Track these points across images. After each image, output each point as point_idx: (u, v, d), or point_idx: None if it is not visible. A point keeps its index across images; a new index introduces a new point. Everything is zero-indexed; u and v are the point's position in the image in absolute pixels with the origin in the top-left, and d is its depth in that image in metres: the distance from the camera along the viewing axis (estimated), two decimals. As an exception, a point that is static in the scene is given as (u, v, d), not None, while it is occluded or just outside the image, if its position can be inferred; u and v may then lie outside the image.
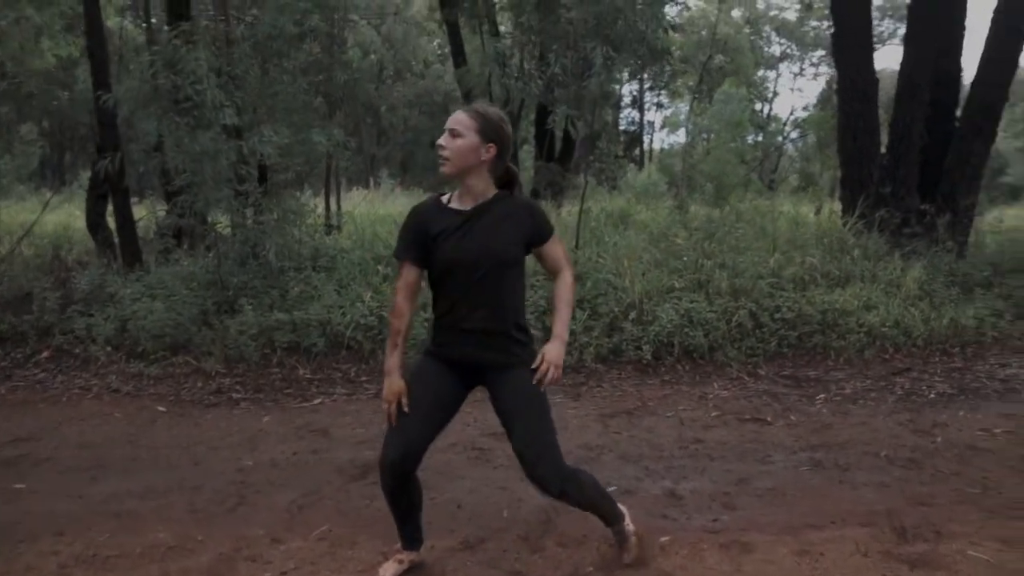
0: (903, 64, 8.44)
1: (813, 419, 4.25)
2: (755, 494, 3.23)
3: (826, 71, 37.20)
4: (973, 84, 8.19)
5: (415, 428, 2.33)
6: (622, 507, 2.58)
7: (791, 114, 38.99)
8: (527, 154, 17.14)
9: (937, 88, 8.26)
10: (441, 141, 2.22)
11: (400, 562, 2.55)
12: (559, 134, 13.69)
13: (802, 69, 38.51)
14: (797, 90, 51.09)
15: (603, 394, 4.70)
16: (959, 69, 8.75)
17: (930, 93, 8.19)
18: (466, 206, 2.27)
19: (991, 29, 8.02)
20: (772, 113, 37.93)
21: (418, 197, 16.57)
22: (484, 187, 2.27)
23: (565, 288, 2.43)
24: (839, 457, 3.64)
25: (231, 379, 4.93)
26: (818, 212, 9.79)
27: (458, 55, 13.28)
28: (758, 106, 33.64)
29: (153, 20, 10.09)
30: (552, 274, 2.46)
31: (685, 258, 6.31)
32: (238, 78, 5.73)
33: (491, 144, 2.22)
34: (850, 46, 8.52)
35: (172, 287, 5.73)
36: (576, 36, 5.89)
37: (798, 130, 38.84)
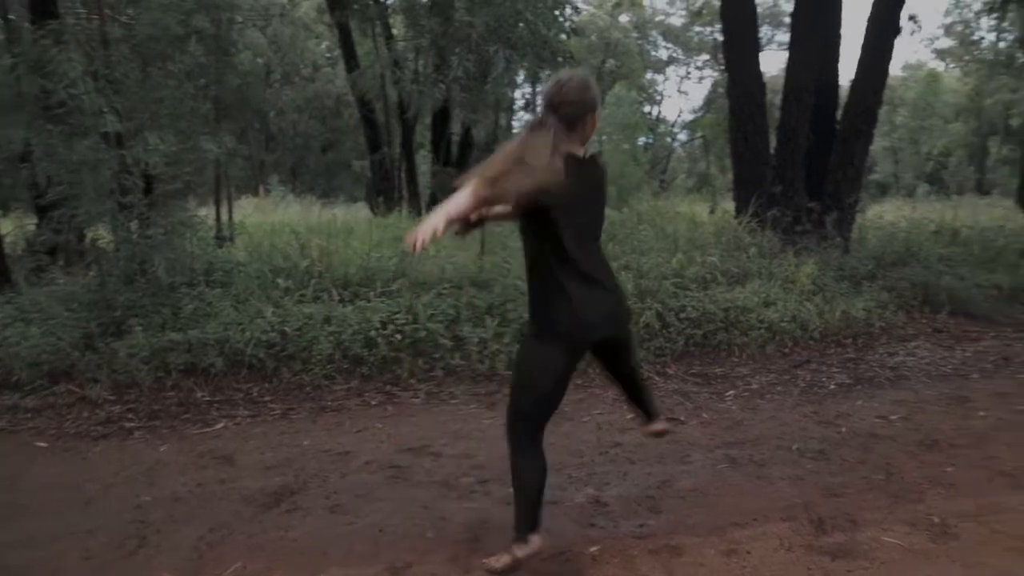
0: (788, 69, 8.83)
1: (724, 416, 4.34)
2: (678, 496, 3.24)
3: (711, 75, 38.78)
4: (851, 89, 8.65)
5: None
6: (535, 536, 2.39)
7: (679, 116, 40.36)
8: (423, 159, 16.96)
9: (819, 92, 8.68)
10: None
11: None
12: (456, 138, 13.63)
13: (688, 73, 39.97)
14: (684, 93, 52.98)
15: (519, 402, 4.64)
16: (837, 75, 9.24)
17: (813, 97, 8.60)
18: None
19: (866, 38, 8.49)
20: (661, 116, 39.18)
21: (311, 204, 16.15)
22: None
23: None
24: (754, 453, 3.72)
25: (121, 407, 4.57)
26: (712, 212, 10.12)
27: (350, 58, 13.01)
28: (648, 109, 34.63)
29: (12, 17, 9.31)
30: None
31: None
32: (117, 82, 5.34)
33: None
34: (739, 51, 8.85)
35: (49, 309, 5.26)
36: (477, 39, 5.83)
37: (686, 132, 40.31)
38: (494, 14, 5.64)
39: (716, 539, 2.81)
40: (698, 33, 37.08)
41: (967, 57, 32.22)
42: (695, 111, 40.77)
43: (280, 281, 5.81)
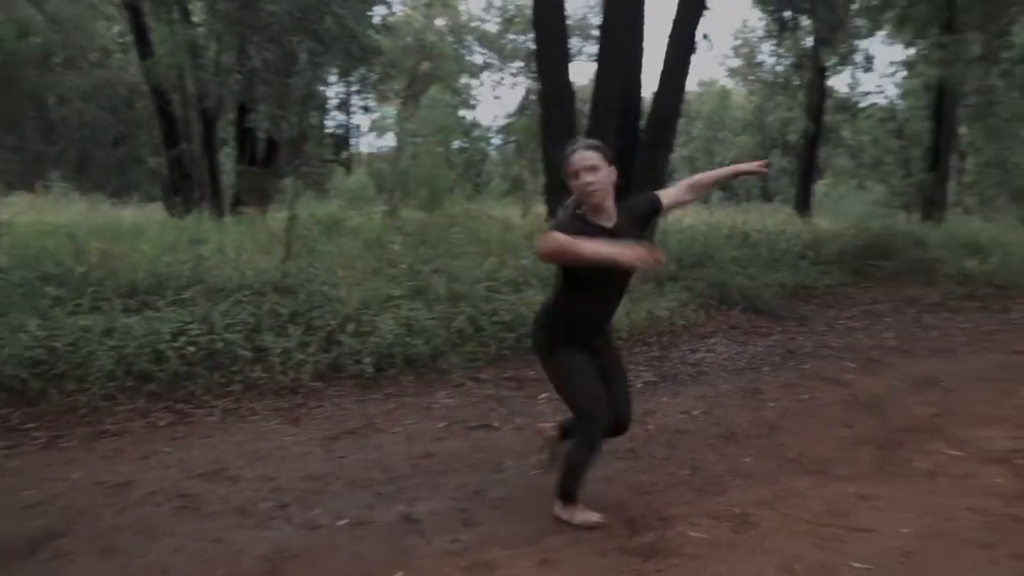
0: (596, 79, 9.12)
1: (538, 420, 4.30)
2: (492, 506, 3.14)
3: (524, 81, 39.81)
4: (654, 100, 9.10)
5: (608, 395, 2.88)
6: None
7: (494, 120, 41.05)
8: (228, 157, 15.93)
9: (624, 103, 9.05)
10: (589, 178, 2.66)
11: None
12: (262, 136, 12.89)
13: (502, 79, 40.73)
14: (498, 98, 54.10)
15: (324, 415, 4.35)
16: (640, 87, 9.69)
17: (619, 106, 8.94)
18: (605, 222, 2.74)
19: (666, 54, 8.97)
20: (476, 120, 39.65)
21: (99, 203, 14.63)
22: (611, 202, 2.76)
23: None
24: (567, 456, 3.70)
25: None
26: (525, 215, 10.27)
27: (143, 44, 11.88)
28: (463, 112, 34.88)
29: None
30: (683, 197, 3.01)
31: (402, 265, 6.16)
32: None
33: (613, 168, 2.73)
34: (550, 59, 9.02)
35: None
36: (280, 29, 5.45)
37: (501, 136, 41.06)
38: (298, 4, 5.29)
39: (530, 550, 2.73)
40: (512, 40, 37.92)
41: (752, 77, 35.34)
42: (509, 116, 41.77)
43: (50, 290, 5.10)
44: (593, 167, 2.68)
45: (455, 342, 5.40)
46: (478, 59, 38.17)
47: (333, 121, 29.14)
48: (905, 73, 17.81)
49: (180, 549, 2.77)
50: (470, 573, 2.58)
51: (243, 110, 11.21)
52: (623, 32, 8.93)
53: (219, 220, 9.52)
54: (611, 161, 2.73)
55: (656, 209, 2.91)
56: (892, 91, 18.50)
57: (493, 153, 39.96)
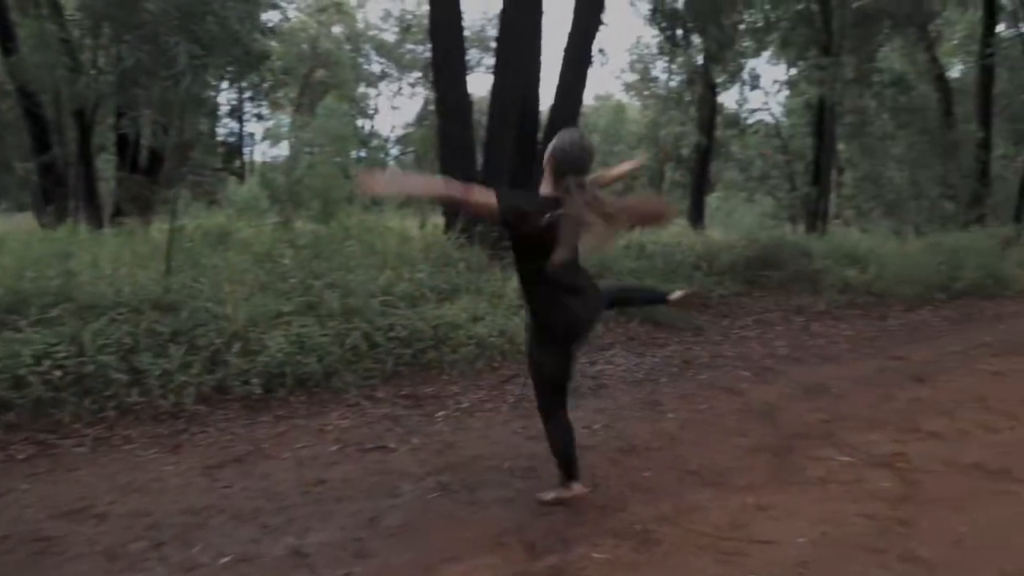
0: (494, 90, 9.08)
1: (435, 439, 4.16)
2: (387, 534, 2.97)
3: (422, 91, 39.58)
4: (551, 112, 9.15)
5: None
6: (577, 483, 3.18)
7: (392, 131, 40.59)
8: (107, 163, 15.01)
9: (522, 115, 9.05)
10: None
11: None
12: (145, 142, 12.21)
13: (400, 88, 40.28)
14: (396, 108, 53.58)
15: (208, 441, 4.06)
16: (537, 98, 9.73)
17: (517, 118, 8.94)
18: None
19: (563, 65, 9.04)
20: (374, 129, 39.14)
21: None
22: None
23: None
24: (465, 477, 3.57)
25: None
26: (423, 226, 10.09)
27: (7, 40, 11.01)
28: (361, 122, 34.34)
29: None
30: None
31: (293, 279, 5.88)
32: None
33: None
34: (447, 70, 8.92)
35: None
36: (156, 28, 5.11)
37: (399, 146, 40.68)
38: (176, 2, 4.97)
39: (426, 581, 2.59)
40: (410, 50, 37.69)
41: (646, 92, 36.39)
42: (408, 126, 41.43)
43: None
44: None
45: (349, 359, 5.18)
46: (376, 68, 37.77)
47: (225, 128, 28.08)
48: (788, 92, 18.69)
49: (34, 601, 2.48)
50: (362, 610, 2.41)
51: (121, 114, 10.56)
52: (520, 43, 8.94)
53: (96, 231, 8.90)
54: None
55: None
56: (777, 109, 19.37)
57: (392, 164, 39.54)
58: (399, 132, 40.87)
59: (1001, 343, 7.07)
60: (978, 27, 16.51)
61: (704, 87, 17.00)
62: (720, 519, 3.09)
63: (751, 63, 18.48)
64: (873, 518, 3.11)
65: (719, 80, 17.05)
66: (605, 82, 66.25)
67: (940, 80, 16.93)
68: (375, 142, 37.27)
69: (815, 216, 15.86)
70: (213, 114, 18.62)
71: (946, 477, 3.62)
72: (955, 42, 20.67)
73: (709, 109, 17.10)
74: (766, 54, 18.19)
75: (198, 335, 4.90)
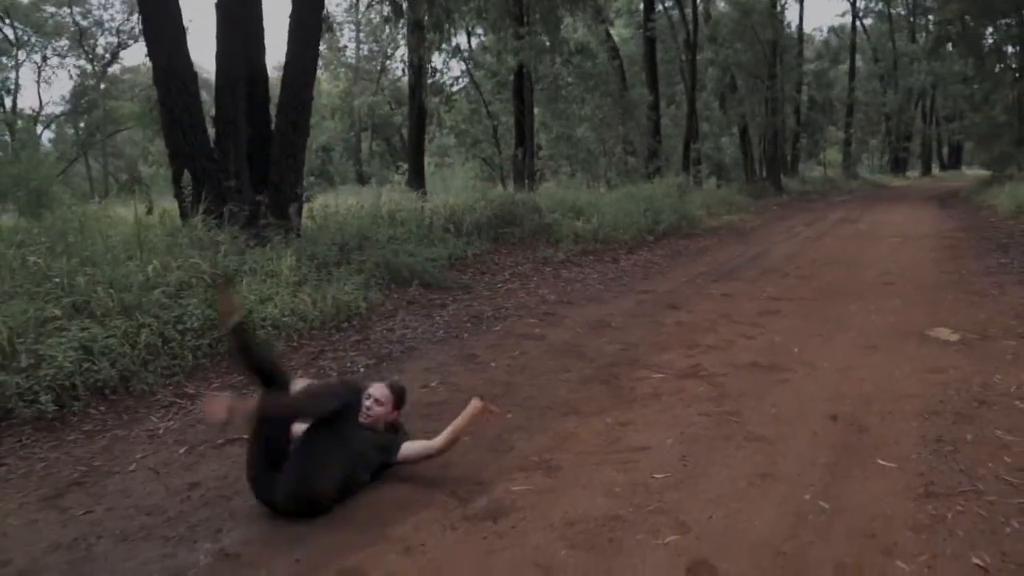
0: (218, 59, 8.46)
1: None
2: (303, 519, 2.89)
3: (75, 63, 34.79)
4: (283, 83, 8.78)
5: None
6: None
7: (41, 109, 35.11)
8: None
9: (249, 84, 8.57)
10: (369, 403, 3.25)
11: None
12: None
13: (46, 59, 34.92)
14: (45, 82, 46.12)
15: (20, 472, 3.45)
16: (264, 66, 9.25)
17: (246, 89, 8.44)
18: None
19: (292, 33, 8.70)
20: (19, 108, 33.73)
21: None
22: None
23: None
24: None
25: None
26: (150, 212, 9.19)
27: None
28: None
29: None
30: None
31: (55, 279, 5.13)
32: None
33: (397, 412, 3.40)
34: (163, 37, 8.10)
35: None
36: None
37: (55, 127, 35.67)
38: None
39: (388, 542, 2.61)
40: (52, 14, 32.90)
41: (335, 63, 35.89)
42: (65, 102, 36.20)
43: None
44: (378, 401, 3.28)
45: (144, 359, 4.72)
46: (9, 34, 32.32)
47: None
48: (492, 59, 19.65)
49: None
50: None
51: None
52: (239, 5, 8.43)
53: None
54: (402, 405, 3.41)
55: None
56: (479, 76, 20.31)
57: (50, 145, 34.41)
58: (56, 108, 35.73)
59: (715, 271, 8.46)
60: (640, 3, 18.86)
61: (416, 57, 17.26)
62: (595, 440, 3.48)
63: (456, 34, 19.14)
64: (709, 415, 3.72)
65: (423, 50, 17.42)
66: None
67: (614, 51, 19.07)
68: (20, 124, 32.12)
69: (522, 175, 17.12)
70: None
71: (738, 376, 4.40)
72: (622, 17, 23.45)
73: (415, 77, 17.44)
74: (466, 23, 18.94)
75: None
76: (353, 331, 6.07)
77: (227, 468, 3.41)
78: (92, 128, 33.85)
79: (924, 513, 2.62)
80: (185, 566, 2.54)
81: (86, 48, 34.40)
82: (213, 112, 8.74)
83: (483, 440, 3.56)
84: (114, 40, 34.66)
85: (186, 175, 7.66)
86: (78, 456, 3.64)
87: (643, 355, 4.96)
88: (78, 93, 35.16)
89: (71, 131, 36.46)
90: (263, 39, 9.09)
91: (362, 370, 5.00)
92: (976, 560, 2.30)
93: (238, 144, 8.28)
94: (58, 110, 35.78)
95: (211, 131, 8.45)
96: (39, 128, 33.27)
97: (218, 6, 8.67)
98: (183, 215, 7.86)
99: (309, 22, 8.87)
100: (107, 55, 34.92)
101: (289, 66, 8.90)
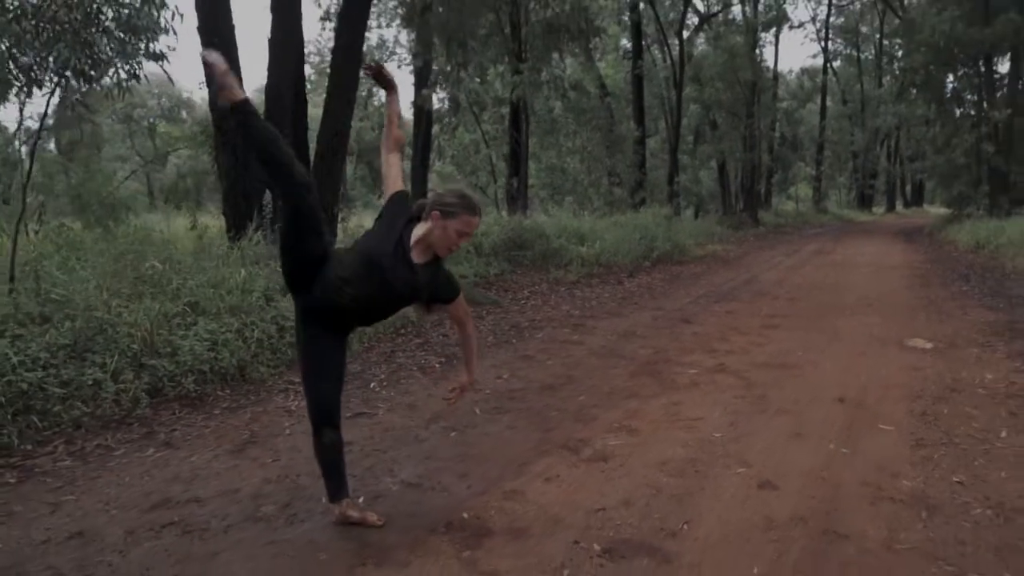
0: (268, 90, 9.35)
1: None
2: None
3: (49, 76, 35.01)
4: (325, 113, 9.71)
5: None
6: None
7: (21, 123, 35.20)
8: None
9: (293, 114, 9.49)
10: (463, 242, 2.89)
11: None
12: None
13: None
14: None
15: (194, 434, 4.32)
16: (306, 99, 10.17)
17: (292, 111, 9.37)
18: (418, 259, 2.83)
19: (332, 68, 9.65)
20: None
21: None
22: None
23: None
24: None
25: None
26: (193, 227, 9.97)
27: None
28: None
29: None
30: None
31: (175, 282, 5.97)
32: None
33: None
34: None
35: None
36: None
37: (40, 138, 35.72)
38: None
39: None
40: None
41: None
42: (45, 118, 36.32)
43: None
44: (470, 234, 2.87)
45: (255, 351, 5.56)
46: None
47: None
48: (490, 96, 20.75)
49: None
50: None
51: None
52: (290, 50, 9.37)
53: None
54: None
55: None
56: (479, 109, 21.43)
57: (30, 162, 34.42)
58: (32, 124, 35.91)
59: (713, 293, 9.49)
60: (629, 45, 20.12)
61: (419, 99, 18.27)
62: (659, 413, 4.42)
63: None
64: (744, 398, 4.69)
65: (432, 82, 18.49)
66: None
67: (603, 88, 20.30)
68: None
69: (515, 202, 18.14)
70: None
71: (758, 372, 5.39)
72: (611, 57, 24.82)
73: (421, 108, 18.47)
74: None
75: (95, 345, 4.89)
76: (412, 335, 6.95)
77: (367, 433, 4.27)
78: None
79: (917, 456, 3.62)
80: (380, 491, 3.41)
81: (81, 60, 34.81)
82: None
83: (568, 413, 4.47)
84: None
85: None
86: (235, 425, 4.47)
87: (673, 356, 5.93)
88: (64, 107, 35.42)
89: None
90: (304, 72, 10.04)
91: (438, 366, 5.89)
92: (955, 479, 3.29)
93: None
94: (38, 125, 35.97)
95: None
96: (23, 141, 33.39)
97: (271, 43, 9.61)
98: (230, 229, 8.71)
99: (350, 54, 9.83)
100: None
101: (330, 97, 9.82)
